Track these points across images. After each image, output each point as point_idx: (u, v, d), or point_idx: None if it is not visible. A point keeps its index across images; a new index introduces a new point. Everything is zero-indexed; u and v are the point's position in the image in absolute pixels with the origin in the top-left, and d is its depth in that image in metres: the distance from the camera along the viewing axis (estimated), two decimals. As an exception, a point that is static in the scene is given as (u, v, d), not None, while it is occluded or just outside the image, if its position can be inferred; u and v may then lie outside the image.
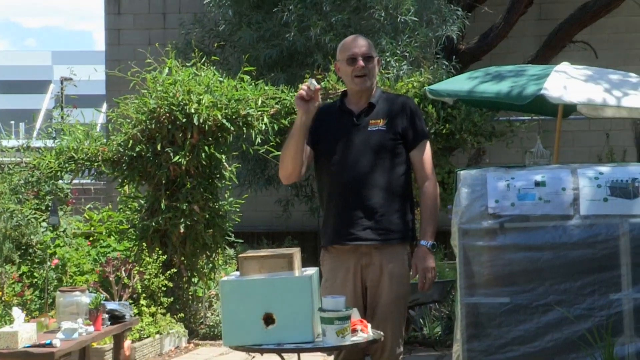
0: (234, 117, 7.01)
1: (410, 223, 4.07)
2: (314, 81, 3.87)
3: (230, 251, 8.59)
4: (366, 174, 3.96)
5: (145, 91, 7.14)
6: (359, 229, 3.96)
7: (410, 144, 4.04)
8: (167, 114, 6.92)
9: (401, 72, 8.26)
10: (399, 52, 8.52)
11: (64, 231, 7.77)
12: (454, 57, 9.50)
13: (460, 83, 6.45)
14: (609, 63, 9.71)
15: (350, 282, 4.00)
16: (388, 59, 8.37)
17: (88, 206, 9.40)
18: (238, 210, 7.54)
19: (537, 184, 3.97)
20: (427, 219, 4.01)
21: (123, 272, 6.36)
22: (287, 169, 4.05)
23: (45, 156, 7.35)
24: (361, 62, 4.01)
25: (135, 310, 6.43)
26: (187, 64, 7.34)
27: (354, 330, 3.52)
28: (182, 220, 6.96)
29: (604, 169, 4.01)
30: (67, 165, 7.23)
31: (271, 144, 7.10)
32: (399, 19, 8.75)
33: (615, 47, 11.32)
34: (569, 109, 6.75)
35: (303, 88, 3.86)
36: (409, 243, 4.06)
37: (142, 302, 6.71)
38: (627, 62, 10.64)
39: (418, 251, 4.00)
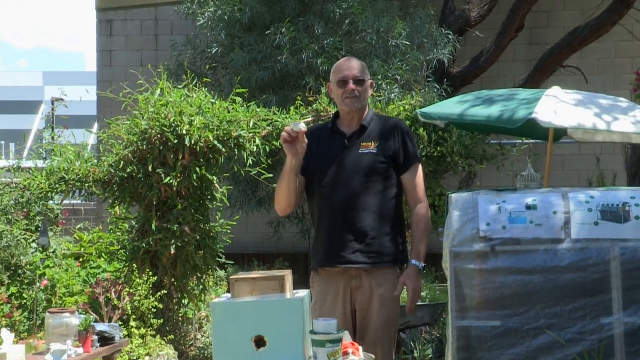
0: (225, 138, 7.01)
1: (401, 246, 4.07)
2: (299, 124, 3.85)
3: (221, 272, 8.56)
4: (357, 196, 3.95)
5: (137, 112, 7.14)
6: (348, 252, 3.96)
7: (401, 167, 4.05)
8: (159, 135, 6.92)
9: (392, 95, 8.29)
10: (390, 75, 8.56)
11: (53, 252, 7.74)
12: (445, 80, 9.55)
13: (451, 106, 6.49)
14: (598, 87, 9.80)
15: (339, 304, 3.99)
16: (379, 82, 8.40)
17: (78, 227, 9.37)
18: (229, 231, 7.53)
19: (528, 207, 3.98)
20: (419, 240, 4.03)
21: (113, 294, 6.32)
22: (280, 205, 4.12)
23: (35, 176, 7.33)
24: (351, 85, 4.02)
25: (125, 332, 6.39)
26: (179, 86, 7.35)
27: (345, 353, 3.51)
28: (172, 241, 6.94)
29: (595, 193, 4.02)
30: (57, 185, 7.21)
31: (262, 165, 7.10)
32: (390, 43, 8.80)
33: (604, 72, 11.41)
34: (560, 132, 6.78)
35: (286, 129, 3.84)
36: (399, 266, 4.06)
37: (132, 323, 6.68)
38: (617, 87, 10.73)
39: (409, 270, 4.00)
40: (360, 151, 4.01)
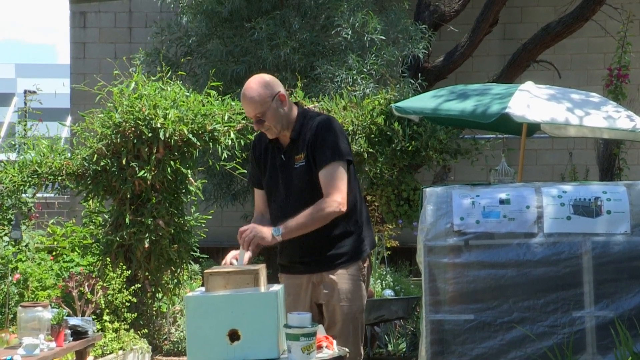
0: (200, 132, 6.99)
1: (356, 242, 4.02)
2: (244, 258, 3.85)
3: (195, 267, 8.53)
4: (298, 212, 3.94)
5: (111, 105, 7.10)
6: (301, 266, 3.98)
7: (317, 167, 3.98)
8: (133, 128, 6.88)
9: (368, 90, 8.30)
10: (365, 70, 8.57)
11: (26, 246, 7.68)
12: (419, 75, 9.58)
13: (426, 101, 6.51)
14: (571, 83, 9.87)
15: (301, 298, 4.02)
16: (355, 77, 8.41)
17: (51, 220, 9.30)
18: (203, 225, 7.52)
19: (502, 201, 4.01)
20: (297, 219, 3.87)
21: (86, 287, 6.28)
22: None
23: (8, 170, 7.26)
24: (256, 126, 4.00)
25: (98, 326, 6.36)
26: (153, 78, 7.31)
27: (319, 347, 3.52)
28: (146, 235, 6.92)
29: (568, 187, 4.06)
30: (30, 179, 7.15)
31: (237, 160, 7.08)
32: (365, 38, 8.81)
33: (577, 67, 11.50)
34: (533, 127, 6.83)
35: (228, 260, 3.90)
36: (360, 259, 4.04)
37: (106, 317, 6.65)
38: (589, 82, 10.82)
39: (265, 229, 3.91)
40: (295, 166, 4.00)
